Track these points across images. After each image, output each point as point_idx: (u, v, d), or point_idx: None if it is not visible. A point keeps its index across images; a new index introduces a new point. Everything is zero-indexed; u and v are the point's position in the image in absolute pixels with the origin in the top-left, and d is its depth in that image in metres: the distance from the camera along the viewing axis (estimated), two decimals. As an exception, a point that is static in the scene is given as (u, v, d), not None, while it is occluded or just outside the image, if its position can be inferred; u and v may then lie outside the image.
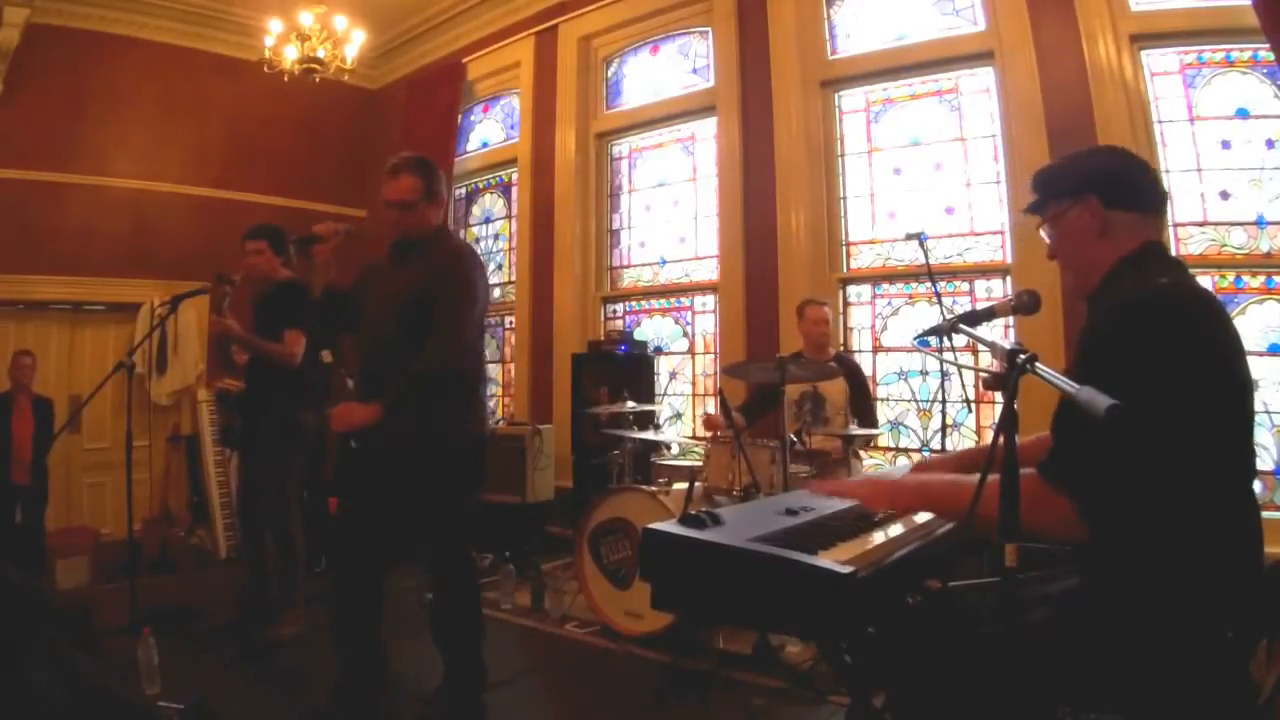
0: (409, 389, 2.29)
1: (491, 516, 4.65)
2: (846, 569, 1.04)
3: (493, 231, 6.24)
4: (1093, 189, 1.37)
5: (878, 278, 4.24)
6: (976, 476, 1.18)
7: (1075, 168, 1.45)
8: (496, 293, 6.12)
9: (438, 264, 2.39)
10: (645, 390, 4.63)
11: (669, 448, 4.17)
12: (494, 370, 6.10)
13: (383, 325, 2.42)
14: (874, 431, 3.69)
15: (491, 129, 6.27)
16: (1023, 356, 1.09)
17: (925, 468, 1.80)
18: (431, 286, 2.34)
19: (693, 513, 1.27)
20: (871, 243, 4.27)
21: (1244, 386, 1.24)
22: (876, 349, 4.22)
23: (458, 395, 2.42)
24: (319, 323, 2.63)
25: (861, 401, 3.72)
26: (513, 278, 5.87)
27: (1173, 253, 3.25)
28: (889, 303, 4.20)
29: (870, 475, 1.54)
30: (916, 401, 4.06)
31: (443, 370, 2.33)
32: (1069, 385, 1.01)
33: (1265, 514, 3.02)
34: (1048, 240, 1.48)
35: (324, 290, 2.56)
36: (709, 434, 3.62)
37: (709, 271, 4.87)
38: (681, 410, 4.99)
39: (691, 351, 4.97)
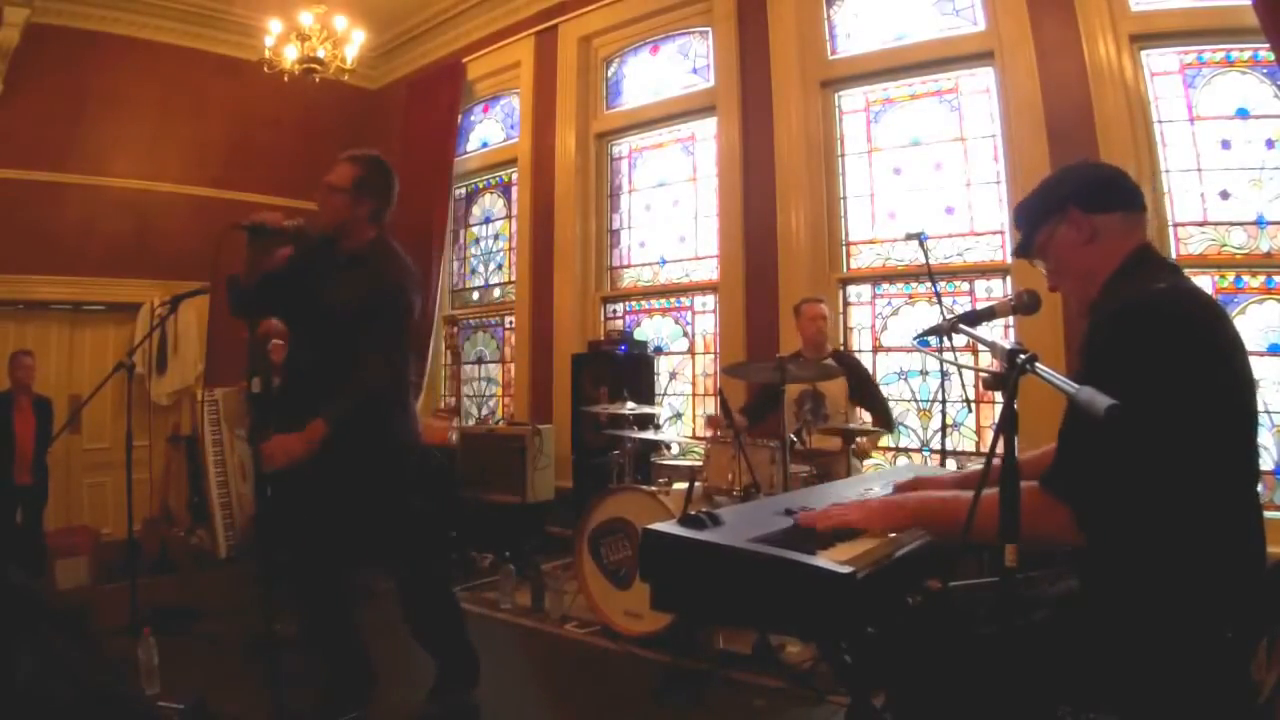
0: (351, 407, 2.24)
1: (491, 516, 4.66)
2: (845, 569, 1.04)
3: (493, 231, 6.24)
4: (1069, 200, 1.38)
5: (878, 278, 4.24)
6: (972, 492, 1.18)
7: (1048, 190, 1.45)
8: (496, 293, 6.13)
9: (381, 280, 2.34)
10: (645, 390, 4.63)
11: (669, 448, 4.17)
12: (494, 370, 6.10)
13: (321, 335, 2.35)
14: (878, 429, 3.68)
15: (491, 129, 6.27)
16: (1023, 356, 1.09)
17: (916, 486, 1.70)
18: (373, 304, 2.29)
19: (692, 513, 1.27)
20: (871, 243, 4.27)
21: (1245, 388, 1.25)
22: (876, 349, 4.22)
23: (389, 405, 2.39)
24: (250, 308, 2.49)
25: (866, 393, 3.72)
26: (513, 278, 5.87)
27: (1172, 253, 3.27)
28: (889, 303, 4.20)
29: (863, 499, 1.50)
30: (916, 401, 4.06)
31: (384, 389, 2.31)
32: (1068, 385, 1.01)
33: (1266, 514, 3.03)
34: (1045, 272, 1.48)
35: (261, 277, 2.42)
36: (710, 433, 3.61)
37: (709, 271, 4.87)
38: (681, 410, 4.99)
39: (691, 351, 4.97)
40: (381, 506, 2.42)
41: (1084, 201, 1.37)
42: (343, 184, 2.36)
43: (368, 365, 2.27)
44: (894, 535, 1.33)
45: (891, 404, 4.10)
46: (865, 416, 3.76)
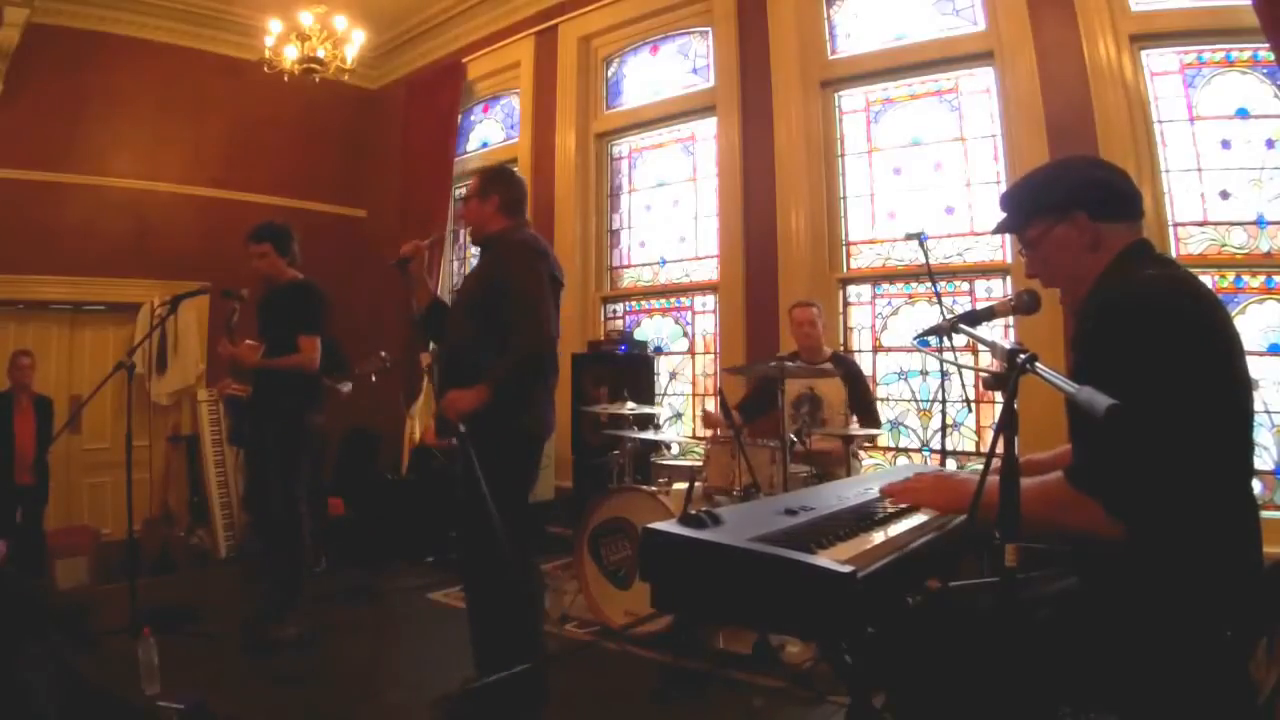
0: (511, 370, 2.35)
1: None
2: (846, 568, 1.04)
3: (493, 231, 6.23)
4: (1080, 204, 1.34)
5: (878, 278, 4.24)
6: (1041, 478, 1.23)
7: (1055, 184, 1.40)
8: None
9: (495, 259, 2.53)
10: (645, 390, 4.62)
11: (669, 448, 4.17)
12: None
13: (456, 323, 2.56)
14: (874, 431, 3.69)
15: (491, 129, 6.27)
16: (1023, 356, 1.09)
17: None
18: (497, 280, 2.45)
19: (692, 513, 1.27)
20: (871, 243, 4.26)
21: (1240, 381, 1.24)
22: (876, 349, 4.22)
23: (532, 389, 2.45)
24: (425, 333, 2.78)
25: (861, 399, 3.72)
26: (513, 278, 5.86)
27: (1173, 253, 3.26)
28: (889, 303, 4.20)
29: (940, 473, 1.53)
30: (916, 401, 4.06)
31: (538, 351, 2.41)
32: (1069, 385, 1.01)
33: (1265, 514, 3.03)
34: (1024, 258, 1.45)
35: (431, 302, 2.76)
36: (708, 431, 3.61)
37: (709, 271, 4.87)
38: (681, 410, 4.99)
39: (691, 351, 4.97)
40: (491, 489, 2.38)
41: (1095, 207, 1.33)
42: (472, 191, 2.65)
43: (518, 331, 2.37)
44: (894, 535, 1.33)
45: (891, 404, 4.11)
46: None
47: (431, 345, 2.69)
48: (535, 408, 2.49)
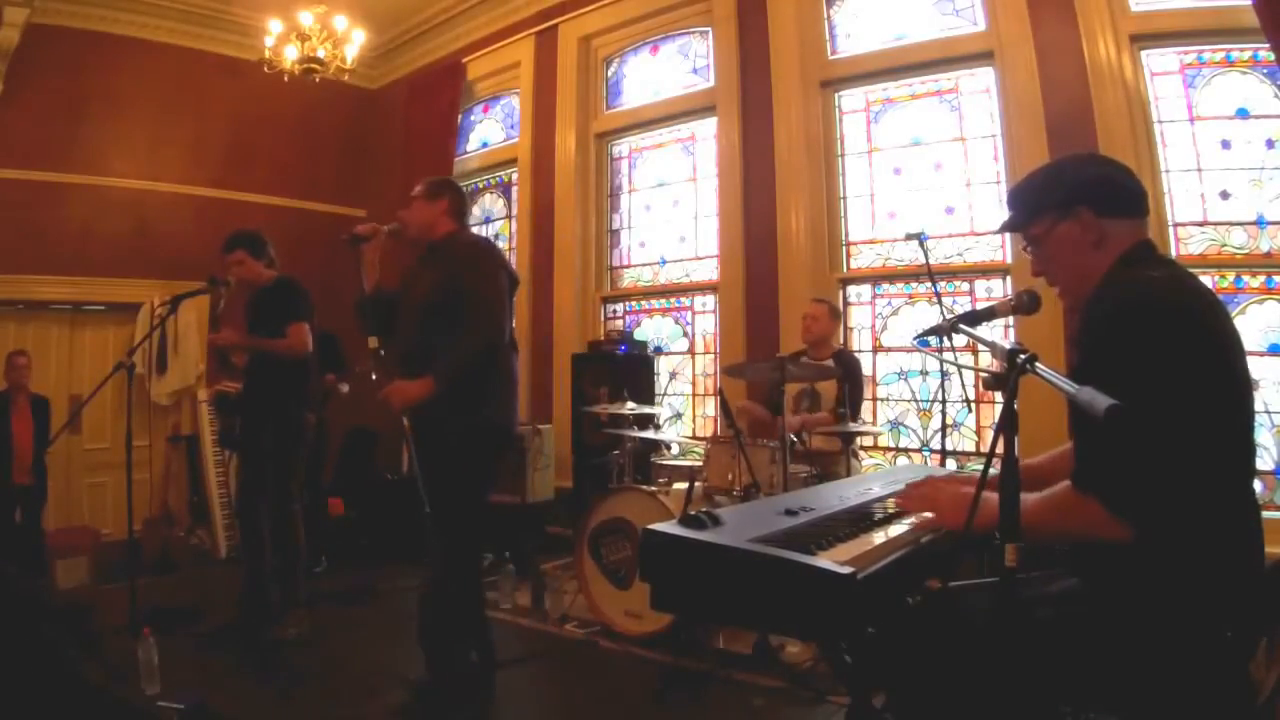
0: (458, 364, 2.41)
1: (491, 516, 4.65)
2: (846, 569, 1.04)
3: (493, 231, 6.24)
4: (1084, 200, 1.33)
5: (878, 278, 4.24)
6: (1048, 490, 1.23)
7: (1058, 181, 1.39)
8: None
9: (451, 263, 2.57)
10: (645, 390, 4.63)
11: (669, 448, 4.17)
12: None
13: (413, 323, 2.58)
14: (868, 429, 3.69)
15: (491, 129, 6.27)
16: (1023, 356, 1.09)
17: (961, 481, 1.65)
18: (459, 284, 2.50)
19: (692, 513, 1.27)
20: (871, 243, 4.26)
21: (1242, 381, 1.24)
22: (876, 349, 4.22)
23: (490, 382, 2.51)
24: (367, 318, 2.77)
25: (851, 396, 3.72)
26: (513, 278, 5.86)
27: (1173, 253, 3.27)
28: (889, 303, 4.20)
29: (956, 487, 1.49)
30: (916, 401, 4.06)
31: (487, 347, 2.46)
32: (1069, 386, 1.01)
33: (1265, 514, 3.03)
34: (1031, 256, 1.45)
35: (374, 289, 2.75)
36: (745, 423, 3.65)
37: (709, 271, 4.87)
38: (681, 410, 4.99)
39: (691, 351, 4.97)
40: (450, 477, 2.49)
41: (1099, 203, 1.33)
42: (419, 193, 2.70)
43: (469, 329, 2.44)
44: (894, 536, 1.33)
45: (891, 404, 4.11)
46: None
47: (373, 338, 2.72)
48: (497, 399, 2.55)
